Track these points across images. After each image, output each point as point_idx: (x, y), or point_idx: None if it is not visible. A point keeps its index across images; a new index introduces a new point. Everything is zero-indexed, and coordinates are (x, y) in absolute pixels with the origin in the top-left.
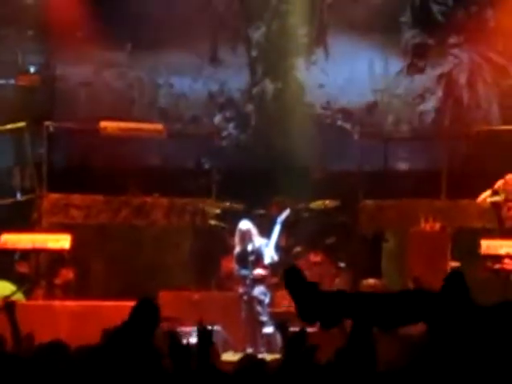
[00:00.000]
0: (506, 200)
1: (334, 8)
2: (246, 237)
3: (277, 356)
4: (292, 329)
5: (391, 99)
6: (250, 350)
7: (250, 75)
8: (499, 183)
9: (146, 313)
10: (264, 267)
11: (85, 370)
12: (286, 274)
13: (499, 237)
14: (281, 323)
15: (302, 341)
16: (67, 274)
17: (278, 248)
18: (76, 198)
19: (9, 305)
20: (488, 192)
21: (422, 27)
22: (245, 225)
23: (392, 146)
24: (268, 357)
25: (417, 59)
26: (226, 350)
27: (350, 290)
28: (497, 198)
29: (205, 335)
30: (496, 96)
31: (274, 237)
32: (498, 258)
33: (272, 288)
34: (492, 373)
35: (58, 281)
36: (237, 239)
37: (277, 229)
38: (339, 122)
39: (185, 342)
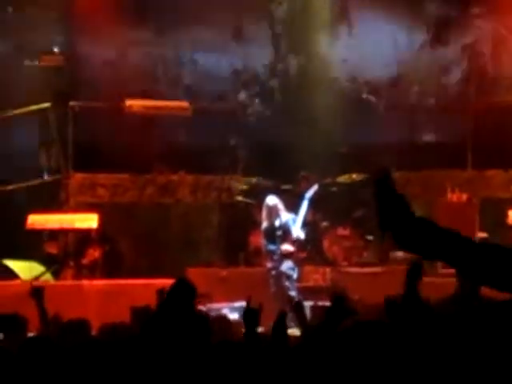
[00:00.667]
0: None
1: None
2: (273, 212)
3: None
4: (321, 303)
5: (415, 72)
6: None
7: (274, 51)
8: None
9: (183, 292)
10: (292, 242)
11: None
12: (377, 182)
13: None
14: (296, 303)
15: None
16: (94, 254)
17: (305, 224)
18: (102, 177)
19: (37, 290)
20: None
21: None
22: (272, 200)
23: (417, 118)
24: (297, 332)
25: (440, 31)
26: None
27: (378, 263)
28: None
29: (251, 314)
30: None
31: (302, 213)
32: None
33: (300, 263)
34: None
35: (85, 261)
36: (264, 215)
37: (305, 204)
38: (364, 96)
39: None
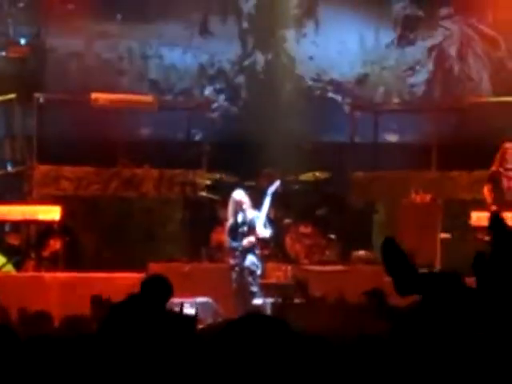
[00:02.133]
0: (506, 170)
1: None
2: (238, 207)
3: None
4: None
5: (382, 71)
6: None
7: (241, 47)
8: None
9: (159, 288)
10: (256, 238)
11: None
12: (384, 245)
13: (498, 208)
14: (301, 282)
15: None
16: (55, 245)
17: (268, 220)
18: (66, 170)
19: None
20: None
21: None
22: (238, 194)
23: (382, 118)
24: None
25: (407, 31)
26: (215, 321)
27: (339, 261)
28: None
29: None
30: (486, 68)
31: (265, 209)
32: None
33: (264, 259)
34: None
35: (45, 253)
36: (230, 209)
37: (267, 201)
38: (330, 94)
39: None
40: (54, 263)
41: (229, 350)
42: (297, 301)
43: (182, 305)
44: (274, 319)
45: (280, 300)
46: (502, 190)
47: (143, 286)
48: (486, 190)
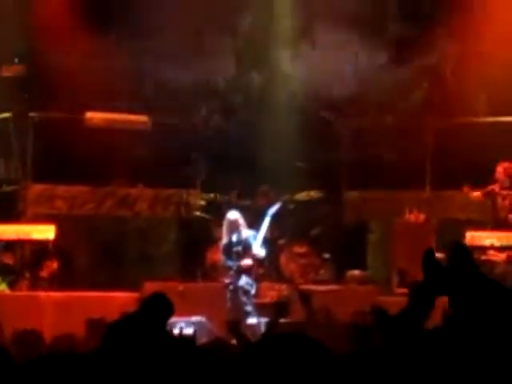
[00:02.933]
0: (501, 188)
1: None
2: (233, 227)
3: None
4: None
5: (376, 90)
6: (234, 341)
7: (236, 66)
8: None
9: (160, 307)
10: (252, 257)
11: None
12: (427, 254)
13: (493, 228)
14: (304, 295)
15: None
16: (52, 266)
17: (264, 240)
18: (61, 189)
19: None
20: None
21: (408, 19)
22: (233, 215)
23: (377, 137)
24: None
25: (402, 51)
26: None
27: (334, 281)
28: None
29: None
30: (482, 87)
31: (264, 229)
32: (483, 250)
33: (258, 279)
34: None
35: (43, 273)
36: (224, 229)
37: (266, 221)
38: (324, 113)
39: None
40: (51, 283)
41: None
42: (283, 320)
43: (181, 328)
44: (311, 340)
45: (270, 319)
46: (497, 208)
47: (144, 304)
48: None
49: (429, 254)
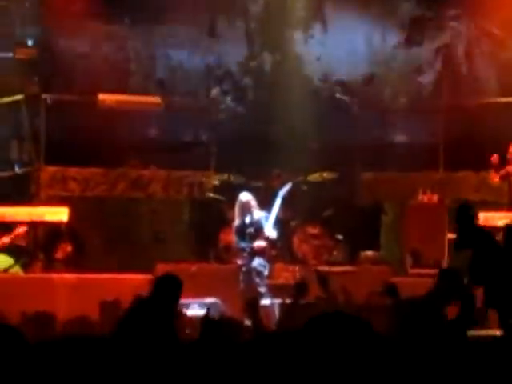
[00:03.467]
0: None
1: None
2: (245, 208)
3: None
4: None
5: (389, 72)
6: (247, 323)
7: (248, 48)
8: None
9: (170, 287)
10: (264, 239)
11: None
12: (459, 209)
13: (508, 209)
14: (322, 276)
15: None
16: (66, 248)
17: (276, 221)
18: (74, 171)
19: None
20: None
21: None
22: (245, 196)
23: (390, 118)
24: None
25: (415, 32)
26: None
27: (347, 262)
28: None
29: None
30: (494, 68)
31: (275, 210)
32: (497, 230)
33: (271, 260)
34: None
35: (58, 255)
36: (236, 211)
37: (278, 202)
38: (337, 95)
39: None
40: (66, 265)
41: (311, 347)
42: (302, 301)
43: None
44: (358, 318)
45: (287, 300)
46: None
47: (156, 285)
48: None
49: (462, 209)
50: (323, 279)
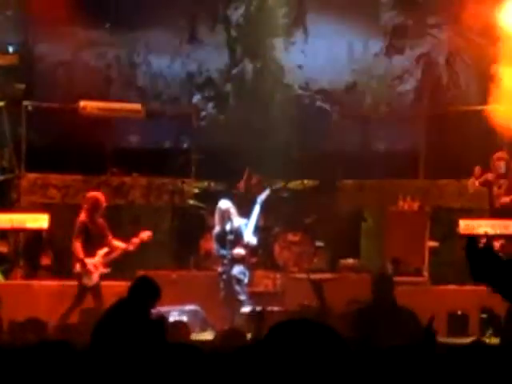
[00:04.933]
0: (497, 177)
1: None
2: (225, 216)
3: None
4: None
5: (370, 80)
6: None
7: (229, 55)
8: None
9: (147, 290)
10: (243, 247)
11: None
12: (468, 244)
13: (489, 216)
14: (317, 284)
15: None
16: (50, 254)
17: (257, 228)
18: (54, 178)
19: None
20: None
21: (402, 8)
22: (224, 204)
23: (371, 126)
24: (248, 336)
25: (396, 40)
26: (204, 329)
27: (328, 269)
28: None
29: None
30: (475, 76)
31: (254, 217)
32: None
33: (251, 268)
34: None
35: (43, 261)
36: (216, 218)
37: (257, 209)
38: (318, 103)
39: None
40: (49, 272)
41: (275, 355)
42: (275, 308)
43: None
44: (320, 325)
45: (260, 308)
46: (492, 197)
47: (132, 289)
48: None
49: (471, 243)
50: (318, 287)
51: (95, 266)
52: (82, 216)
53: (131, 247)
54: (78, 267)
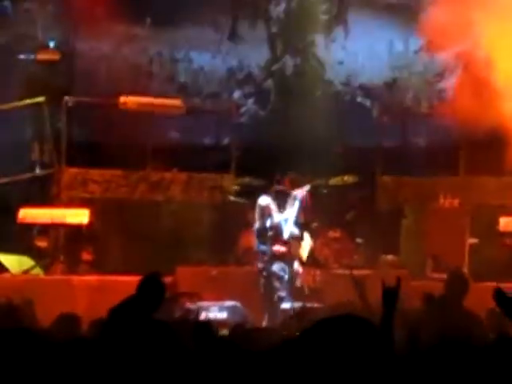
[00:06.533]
0: None
1: None
2: (265, 212)
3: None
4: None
5: (410, 76)
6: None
7: (270, 51)
8: None
9: (152, 289)
10: (283, 243)
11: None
12: (495, 295)
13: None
14: (359, 281)
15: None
16: (90, 250)
17: (296, 224)
18: (95, 173)
19: None
20: None
21: (443, 4)
22: (264, 200)
23: (411, 122)
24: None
25: (436, 37)
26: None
27: (367, 266)
28: None
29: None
30: None
31: (293, 213)
32: None
33: (291, 264)
34: None
35: (85, 256)
36: (256, 215)
37: (296, 205)
38: (359, 99)
39: (204, 316)
40: (90, 267)
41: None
42: (316, 305)
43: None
44: (363, 320)
45: (301, 304)
46: None
47: (139, 287)
48: None
49: (498, 294)
50: (360, 284)
51: None
52: None
53: None
54: None
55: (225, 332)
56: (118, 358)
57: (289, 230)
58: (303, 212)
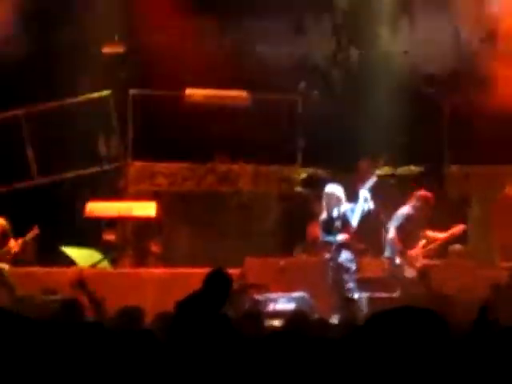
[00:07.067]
0: None
1: None
2: (332, 201)
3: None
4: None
5: (475, 66)
6: (335, 317)
7: (335, 43)
8: None
9: (219, 284)
10: (350, 233)
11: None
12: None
13: None
14: (423, 273)
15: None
16: (159, 242)
17: (364, 214)
18: (161, 166)
19: (81, 283)
20: None
21: None
22: (331, 189)
23: (478, 111)
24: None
25: (501, 25)
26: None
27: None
28: None
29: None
30: None
31: (361, 203)
32: None
33: (358, 254)
34: None
35: (154, 248)
36: (323, 204)
37: (363, 195)
38: (424, 89)
39: (271, 307)
40: (159, 259)
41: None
42: (383, 295)
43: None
44: (426, 311)
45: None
46: None
47: (206, 282)
48: None
49: None
50: (424, 275)
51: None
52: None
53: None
54: None
55: (276, 323)
56: (186, 353)
57: (356, 219)
58: (371, 202)
